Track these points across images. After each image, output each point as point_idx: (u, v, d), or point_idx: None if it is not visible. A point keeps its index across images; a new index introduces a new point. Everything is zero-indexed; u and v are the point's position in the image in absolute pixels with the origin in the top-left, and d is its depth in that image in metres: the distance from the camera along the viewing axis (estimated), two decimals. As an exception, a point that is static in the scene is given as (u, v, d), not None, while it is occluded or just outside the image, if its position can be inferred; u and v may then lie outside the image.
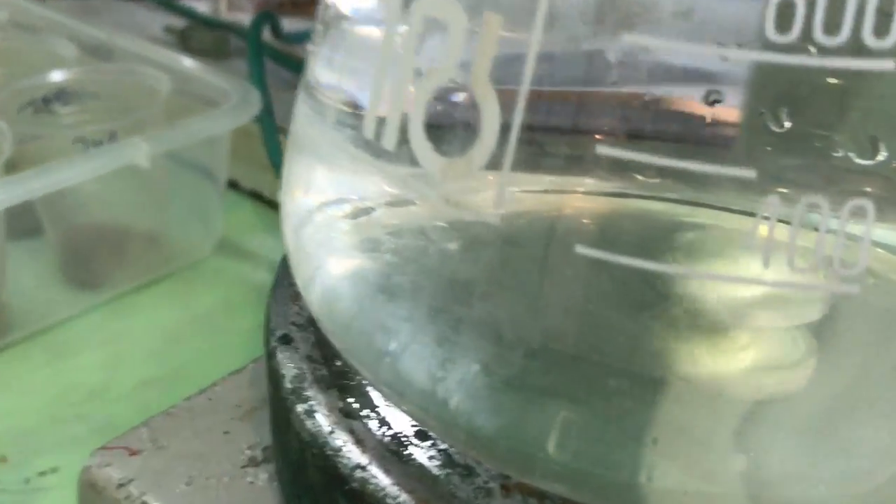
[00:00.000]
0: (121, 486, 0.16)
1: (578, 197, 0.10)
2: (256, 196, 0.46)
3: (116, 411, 0.33)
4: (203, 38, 0.54)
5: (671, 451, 0.11)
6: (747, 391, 0.11)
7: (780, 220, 0.09)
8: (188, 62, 0.41)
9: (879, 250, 0.13)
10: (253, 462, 0.17)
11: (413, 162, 0.10)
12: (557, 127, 0.10)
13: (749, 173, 0.08)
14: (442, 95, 0.10)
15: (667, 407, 0.11)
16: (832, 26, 0.08)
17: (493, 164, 0.10)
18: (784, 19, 0.08)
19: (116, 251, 0.39)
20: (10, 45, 0.43)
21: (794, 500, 0.11)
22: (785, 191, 0.08)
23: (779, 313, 0.11)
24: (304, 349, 0.14)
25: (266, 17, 0.49)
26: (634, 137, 0.10)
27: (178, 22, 0.58)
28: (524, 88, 0.09)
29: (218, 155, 0.39)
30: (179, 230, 0.40)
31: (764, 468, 0.11)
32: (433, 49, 0.10)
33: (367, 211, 0.12)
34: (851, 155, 0.12)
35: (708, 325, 0.11)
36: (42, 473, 0.30)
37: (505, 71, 0.10)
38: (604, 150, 0.09)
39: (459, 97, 0.10)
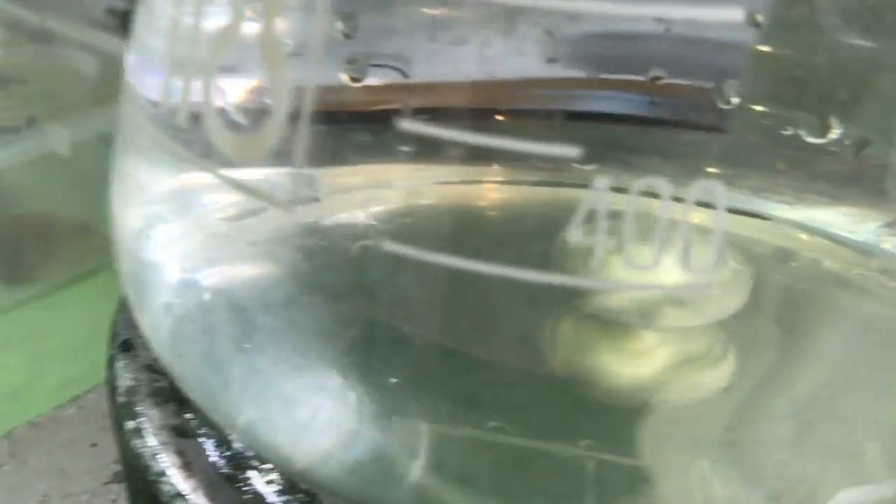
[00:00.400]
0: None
1: (394, 189, 0.08)
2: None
3: (39, 413, 0.31)
4: (147, 19, 0.52)
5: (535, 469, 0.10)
6: (645, 396, 0.10)
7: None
8: (120, 45, 0.40)
9: (802, 234, 0.11)
10: (118, 478, 0.15)
11: (205, 155, 0.09)
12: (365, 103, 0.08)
13: (571, 152, 0.07)
14: (230, 68, 0.08)
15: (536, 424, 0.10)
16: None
17: (287, 149, 0.08)
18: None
19: (44, 243, 0.37)
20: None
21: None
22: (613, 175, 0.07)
23: (688, 311, 0.10)
24: (145, 357, 0.13)
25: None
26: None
27: (120, 3, 0.56)
28: (317, 51, 0.08)
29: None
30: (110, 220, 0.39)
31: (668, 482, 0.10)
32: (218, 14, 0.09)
33: (181, 214, 0.11)
34: (802, 133, 0.10)
35: (601, 328, 0.09)
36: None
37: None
38: (409, 126, 0.07)
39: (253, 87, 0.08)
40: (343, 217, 0.09)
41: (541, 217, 0.08)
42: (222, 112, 0.09)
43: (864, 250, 0.10)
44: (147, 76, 0.10)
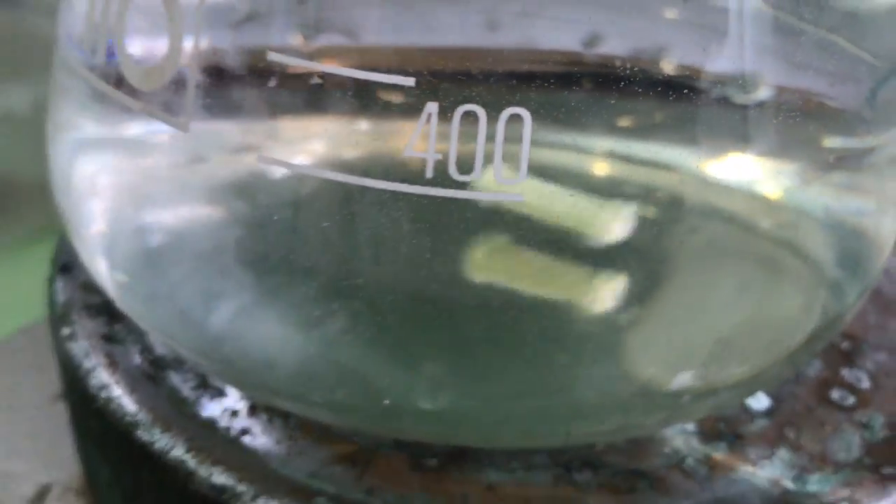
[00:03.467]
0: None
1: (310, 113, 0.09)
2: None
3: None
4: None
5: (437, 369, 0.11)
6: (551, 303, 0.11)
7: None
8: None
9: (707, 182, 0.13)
10: (58, 397, 0.17)
11: (120, 83, 0.10)
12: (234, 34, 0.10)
13: (408, 81, 0.08)
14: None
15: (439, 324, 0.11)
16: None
17: (178, 78, 0.10)
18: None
19: (1, 202, 0.38)
20: None
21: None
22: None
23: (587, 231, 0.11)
24: (81, 277, 0.14)
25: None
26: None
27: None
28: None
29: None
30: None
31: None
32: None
33: (99, 146, 0.12)
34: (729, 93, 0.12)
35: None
36: None
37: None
38: (277, 58, 0.09)
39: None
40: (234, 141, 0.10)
41: (395, 137, 0.09)
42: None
43: (757, 196, 0.12)
44: (74, 24, 0.12)
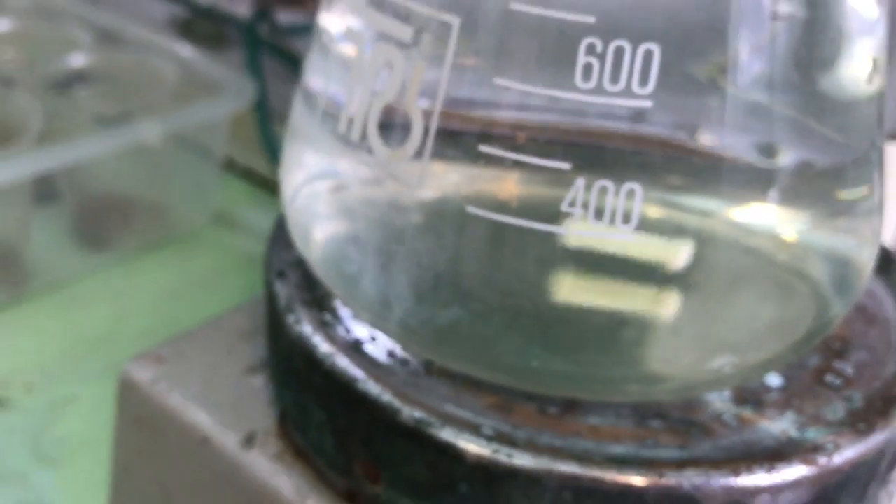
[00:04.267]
0: (153, 382, 0.22)
1: (488, 169, 0.15)
2: (249, 174, 0.52)
3: (122, 355, 0.38)
4: (204, 27, 0.59)
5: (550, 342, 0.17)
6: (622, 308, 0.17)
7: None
8: (191, 52, 0.47)
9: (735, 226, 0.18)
10: (251, 370, 0.23)
11: (370, 150, 0.16)
12: (463, 132, 0.16)
13: (565, 165, 0.14)
14: (388, 107, 0.16)
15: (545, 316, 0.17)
16: None
17: (419, 154, 0.16)
18: None
19: (124, 218, 0.44)
20: (34, 30, 0.48)
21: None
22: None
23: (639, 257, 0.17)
24: (293, 280, 0.20)
25: (263, 14, 0.54)
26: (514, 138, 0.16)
27: (181, 11, 0.63)
28: (438, 103, 0.15)
29: (216, 137, 0.45)
30: (180, 202, 0.46)
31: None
32: (385, 76, 0.16)
33: (341, 185, 0.18)
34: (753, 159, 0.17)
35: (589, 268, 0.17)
36: (63, 399, 0.36)
37: (429, 92, 0.15)
38: (487, 149, 0.15)
39: (398, 105, 0.16)
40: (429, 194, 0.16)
41: (550, 201, 0.15)
42: (379, 129, 0.16)
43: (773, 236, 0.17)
44: (328, 96, 0.18)
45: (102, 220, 0.44)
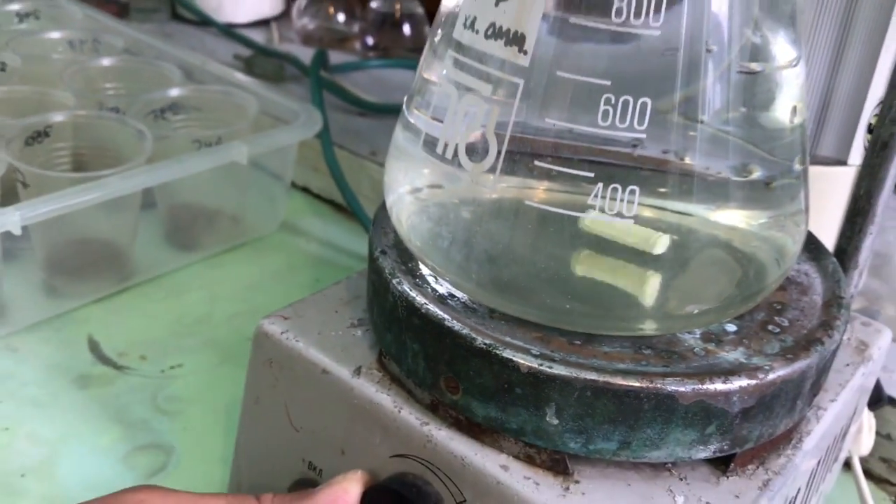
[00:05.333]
0: (283, 333, 0.30)
1: (539, 178, 0.24)
2: (306, 190, 0.60)
3: (217, 333, 0.47)
4: (264, 64, 0.68)
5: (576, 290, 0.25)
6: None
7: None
8: (262, 86, 0.55)
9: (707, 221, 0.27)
10: (353, 325, 0.31)
11: (457, 163, 0.24)
12: (523, 153, 0.24)
13: (589, 174, 0.23)
14: (473, 137, 0.24)
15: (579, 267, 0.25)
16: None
17: (493, 168, 0.24)
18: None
19: (208, 225, 0.53)
20: (129, 67, 0.57)
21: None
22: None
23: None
24: (392, 256, 0.28)
25: (321, 54, 0.63)
26: (560, 158, 0.24)
27: (243, 50, 0.72)
28: (508, 133, 0.24)
29: (287, 159, 0.53)
30: (254, 212, 0.54)
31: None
32: (471, 116, 0.24)
33: (437, 189, 0.26)
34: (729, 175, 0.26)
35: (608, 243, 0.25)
36: (172, 367, 0.44)
37: (501, 127, 0.24)
38: (539, 164, 0.23)
39: (481, 134, 0.24)
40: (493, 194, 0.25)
41: (578, 197, 0.24)
42: (467, 151, 0.24)
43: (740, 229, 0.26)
44: (418, 116, 0.26)
45: (191, 226, 0.53)
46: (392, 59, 0.72)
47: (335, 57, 0.69)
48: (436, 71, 0.26)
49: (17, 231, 0.40)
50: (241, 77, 0.57)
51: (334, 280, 0.33)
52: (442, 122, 0.25)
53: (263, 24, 0.80)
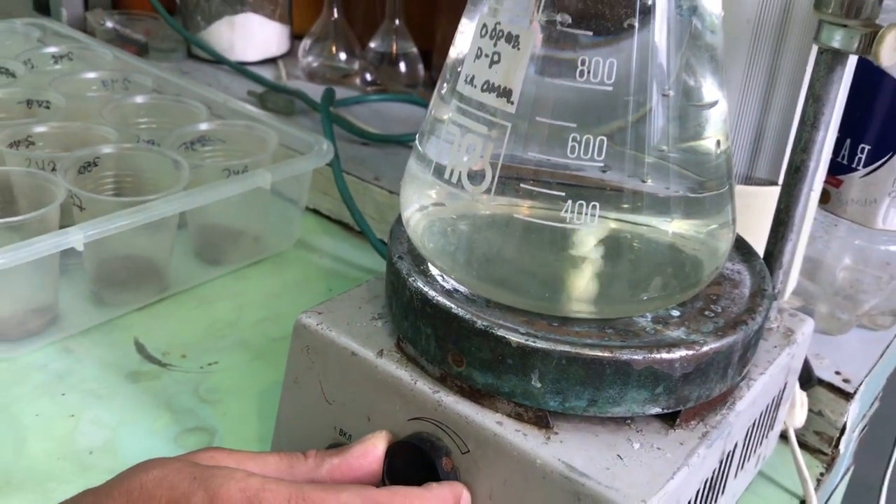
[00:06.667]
0: (318, 325, 0.38)
1: (523, 197, 0.31)
2: (317, 212, 0.68)
3: (245, 335, 0.54)
4: (276, 99, 0.75)
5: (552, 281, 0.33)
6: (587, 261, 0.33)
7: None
8: (277, 121, 0.63)
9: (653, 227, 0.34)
10: (374, 318, 0.38)
11: (461, 186, 0.32)
12: (511, 177, 0.31)
13: (561, 193, 0.30)
14: (473, 166, 0.31)
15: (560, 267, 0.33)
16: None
17: (488, 190, 0.31)
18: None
19: (233, 242, 0.60)
20: (159, 104, 0.65)
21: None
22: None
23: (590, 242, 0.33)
24: (407, 260, 0.36)
25: (330, 92, 0.71)
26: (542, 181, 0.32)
27: (255, 86, 0.80)
28: (500, 162, 0.31)
29: (303, 185, 0.60)
30: (273, 233, 0.61)
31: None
32: (471, 150, 0.32)
33: (443, 206, 0.34)
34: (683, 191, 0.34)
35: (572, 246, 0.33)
36: (209, 364, 0.51)
37: (495, 158, 0.31)
38: (524, 186, 0.31)
39: (479, 164, 0.32)
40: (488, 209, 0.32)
41: (554, 211, 0.31)
42: (469, 176, 0.32)
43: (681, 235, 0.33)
44: (429, 149, 0.34)
45: (219, 243, 0.60)
46: (390, 94, 0.80)
47: (338, 92, 0.77)
48: (443, 114, 0.34)
49: (80, 247, 0.47)
50: (259, 112, 0.65)
51: (344, 289, 0.40)
52: (449, 154, 0.33)
53: (271, 61, 0.88)
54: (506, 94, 0.31)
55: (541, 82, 0.30)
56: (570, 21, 0.29)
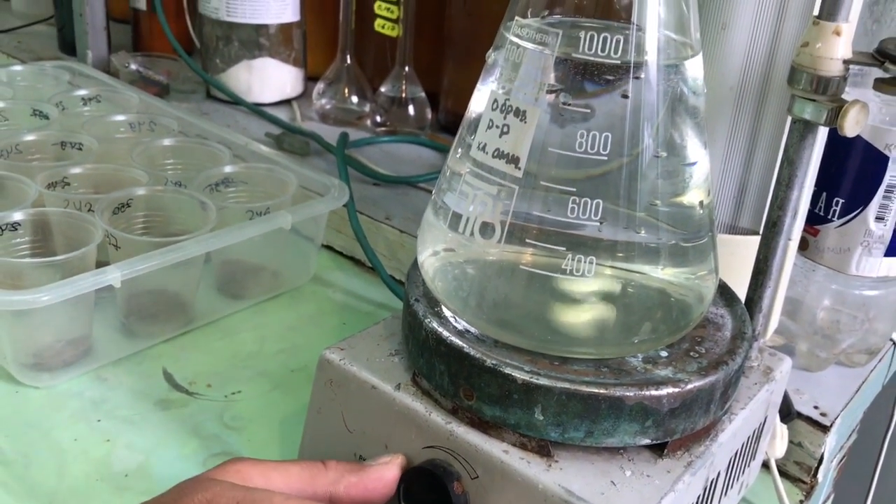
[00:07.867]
0: (340, 360, 0.41)
1: (529, 249, 0.35)
2: (330, 248, 0.72)
3: (266, 365, 0.57)
4: (292, 141, 0.80)
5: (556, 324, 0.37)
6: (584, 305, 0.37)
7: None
8: (295, 163, 0.67)
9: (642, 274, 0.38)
10: (391, 354, 0.42)
11: (473, 237, 0.36)
12: (517, 232, 0.35)
13: (562, 247, 0.34)
14: (485, 220, 0.35)
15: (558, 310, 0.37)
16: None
17: (499, 241, 0.35)
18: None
19: (254, 278, 0.64)
20: (185, 146, 0.69)
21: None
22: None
23: (591, 287, 0.37)
24: (423, 303, 0.40)
25: (345, 136, 0.75)
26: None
27: (272, 127, 0.84)
28: (508, 219, 0.35)
29: (320, 224, 0.65)
30: (291, 269, 0.65)
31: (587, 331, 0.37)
32: (482, 206, 0.36)
33: (456, 255, 0.38)
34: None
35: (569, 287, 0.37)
36: (233, 393, 0.54)
37: (503, 214, 0.36)
38: (529, 240, 0.35)
39: (490, 219, 0.36)
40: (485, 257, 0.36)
41: (556, 263, 0.35)
42: (480, 228, 0.36)
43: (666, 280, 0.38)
44: (446, 202, 0.38)
45: (240, 279, 0.64)
46: (400, 136, 0.84)
47: (350, 133, 0.82)
48: (458, 175, 0.38)
49: (117, 285, 0.51)
50: (277, 154, 0.69)
51: (357, 322, 0.44)
52: (463, 209, 0.37)
53: (286, 102, 0.93)
54: (514, 160, 0.35)
55: (544, 152, 0.34)
56: (570, 100, 0.34)
